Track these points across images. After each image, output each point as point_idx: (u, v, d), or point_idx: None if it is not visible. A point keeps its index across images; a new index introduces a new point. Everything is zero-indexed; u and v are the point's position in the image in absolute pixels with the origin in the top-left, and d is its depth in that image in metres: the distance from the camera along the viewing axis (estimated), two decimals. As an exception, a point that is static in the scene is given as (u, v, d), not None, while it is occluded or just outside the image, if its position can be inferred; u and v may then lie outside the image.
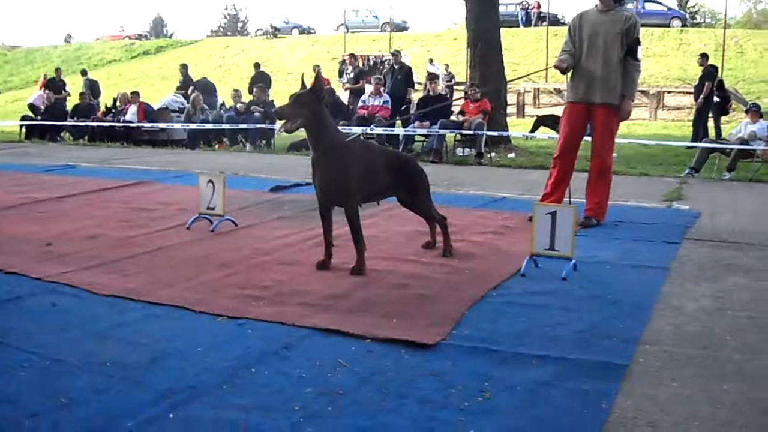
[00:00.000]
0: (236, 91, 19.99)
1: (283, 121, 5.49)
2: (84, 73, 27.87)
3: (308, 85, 5.62)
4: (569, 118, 7.70)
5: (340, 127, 14.34)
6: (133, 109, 19.69)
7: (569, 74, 7.67)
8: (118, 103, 21.19)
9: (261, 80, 22.00)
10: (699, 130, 19.24)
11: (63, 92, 24.41)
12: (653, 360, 3.87)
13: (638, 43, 7.50)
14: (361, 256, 5.54)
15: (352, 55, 26.14)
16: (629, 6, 43.49)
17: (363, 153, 5.67)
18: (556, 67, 7.64)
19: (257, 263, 5.80)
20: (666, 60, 36.74)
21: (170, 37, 71.97)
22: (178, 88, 23.79)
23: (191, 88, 22.38)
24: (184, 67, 25.29)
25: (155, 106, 21.13)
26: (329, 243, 5.69)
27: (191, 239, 6.69)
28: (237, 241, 6.66)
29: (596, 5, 7.64)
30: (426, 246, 6.33)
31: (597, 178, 7.65)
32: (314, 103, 5.39)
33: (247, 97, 20.34)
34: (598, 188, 7.64)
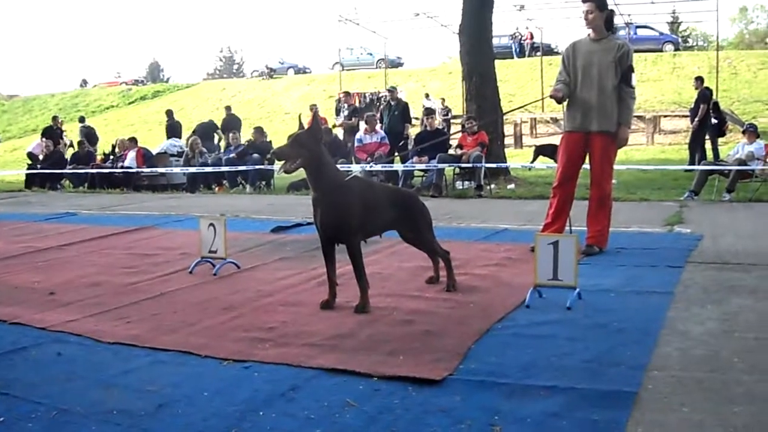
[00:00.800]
0: (233, 134, 20.10)
1: (282, 162, 5.50)
2: (81, 120, 28.00)
3: (306, 126, 5.64)
4: (567, 148, 7.69)
5: (339, 166, 14.44)
6: (131, 155, 19.81)
7: (565, 104, 7.70)
8: (116, 149, 21.30)
9: (232, 123, 22.32)
10: (696, 153, 19.29)
11: (61, 140, 24.48)
12: (662, 386, 3.85)
13: (632, 70, 7.52)
14: (364, 293, 5.52)
15: (346, 93, 26.21)
16: (621, 33, 43.61)
17: (363, 190, 5.68)
18: (551, 96, 7.67)
19: (261, 305, 5.79)
20: (660, 84, 36.92)
21: (167, 81, 72.33)
22: (169, 135, 24.02)
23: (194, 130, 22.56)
24: (169, 114, 25.62)
25: (154, 151, 21.24)
26: (333, 282, 5.69)
27: (194, 283, 6.68)
28: (240, 283, 6.65)
29: (588, 34, 7.66)
30: (429, 281, 6.32)
31: (597, 206, 7.64)
32: (312, 142, 5.42)
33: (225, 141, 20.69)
34: (598, 216, 7.63)
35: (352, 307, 5.51)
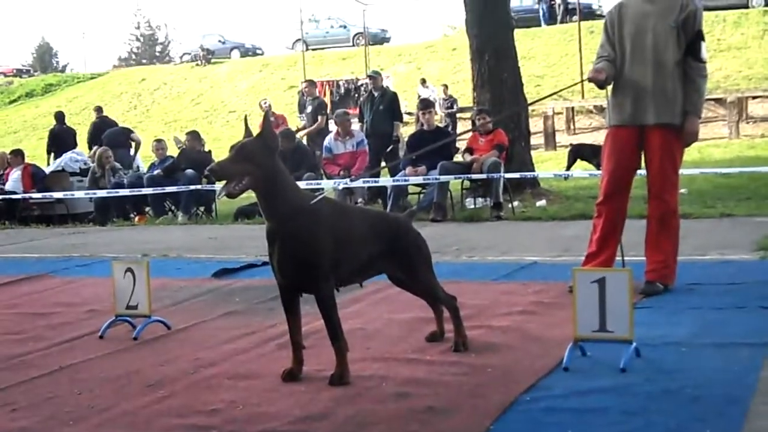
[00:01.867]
0: (158, 141, 20.08)
1: (223, 182, 5.48)
2: None
3: (255, 130, 5.61)
4: (614, 148, 7.70)
5: (306, 183, 14.39)
6: (15, 175, 19.73)
7: (610, 88, 7.71)
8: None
9: (65, 136, 22.32)
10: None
11: None
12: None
13: (702, 37, 7.48)
14: (342, 358, 5.51)
15: (309, 82, 26.22)
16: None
17: (335, 218, 5.64)
18: (591, 79, 7.62)
19: (200, 379, 5.79)
20: (746, 54, 37.08)
21: (62, 71, 72.43)
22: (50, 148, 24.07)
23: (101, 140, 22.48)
24: (98, 111, 25.64)
25: (47, 169, 21.20)
26: (298, 344, 5.67)
27: (106, 352, 6.67)
28: (171, 350, 6.65)
29: None
30: (431, 338, 6.32)
31: (659, 227, 7.63)
32: (263, 154, 5.37)
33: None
34: (661, 241, 7.62)
35: (326, 378, 5.51)
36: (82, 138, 24.73)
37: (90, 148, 22.96)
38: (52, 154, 24.08)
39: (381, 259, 5.94)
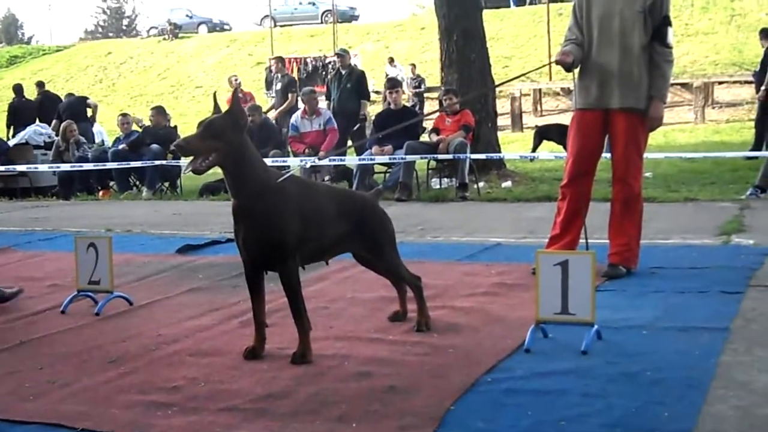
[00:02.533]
0: (124, 115, 20.01)
1: (190, 158, 5.45)
2: None
3: (223, 108, 5.58)
4: (579, 131, 7.69)
5: (272, 160, 14.37)
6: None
7: (577, 71, 7.69)
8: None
9: (24, 109, 22.17)
10: (764, 134, 19.45)
11: None
12: (714, 461, 3.90)
13: (668, 22, 7.43)
14: (304, 337, 5.50)
15: (278, 59, 26.18)
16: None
17: (302, 196, 5.62)
18: (558, 62, 7.59)
19: (162, 356, 5.77)
20: (714, 39, 37.23)
21: (28, 42, 72.00)
22: (9, 122, 23.84)
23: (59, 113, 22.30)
24: (39, 86, 25.40)
25: (11, 142, 21.09)
26: (261, 323, 5.66)
27: (68, 327, 6.64)
28: (133, 326, 6.63)
29: None
30: (394, 317, 6.33)
31: (623, 210, 7.65)
32: (232, 131, 5.33)
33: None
34: (624, 224, 7.64)
35: (288, 356, 5.51)
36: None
37: (42, 121, 22.80)
38: (12, 128, 23.97)
39: (347, 238, 5.93)
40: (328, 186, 6.08)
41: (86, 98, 23.68)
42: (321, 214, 5.71)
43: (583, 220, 7.72)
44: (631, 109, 7.47)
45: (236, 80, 25.01)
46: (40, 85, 25.33)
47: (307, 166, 12.09)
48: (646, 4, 7.33)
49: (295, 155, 16.59)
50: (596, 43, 7.51)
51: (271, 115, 21.83)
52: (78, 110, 22.49)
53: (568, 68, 7.61)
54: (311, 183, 6.11)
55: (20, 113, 24.07)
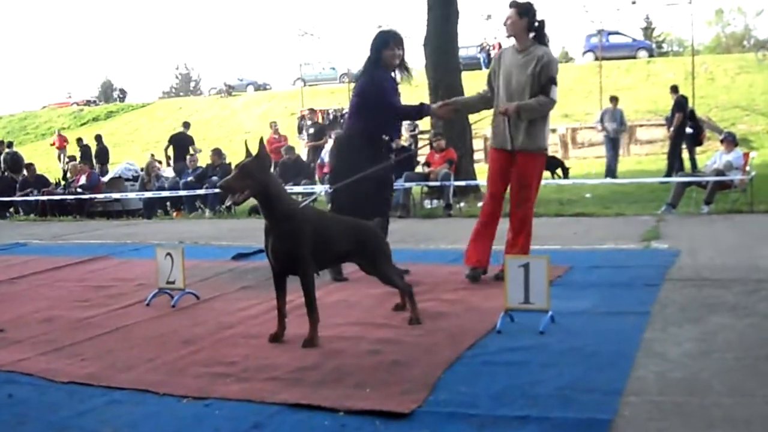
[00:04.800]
0: (191, 155, 20.09)
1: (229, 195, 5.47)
2: (9, 145, 27.19)
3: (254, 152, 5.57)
4: (492, 164, 7.58)
5: (301, 188, 14.29)
6: (82, 179, 19.75)
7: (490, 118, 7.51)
8: (68, 174, 21.19)
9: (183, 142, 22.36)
10: (674, 164, 19.50)
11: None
12: (638, 412, 3.88)
13: (553, 82, 7.16)
14: (314, 327, 5.49)
15: (311, 110, 26.29)
16: (593, 40, 43.62)
17: (318, 221, 5.69)
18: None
19: (222, 338, 5.78)
20: (635, 93, 37.18)
21: (120, 100, 72.10)
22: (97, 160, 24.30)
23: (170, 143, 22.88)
24: (97, 139, 26.00)
25: (108, 176, 21.18)
26: (283, 314, 5.66)
27: (151, 316, 6.66)
28: (199, 315, 6.64)
29: (515, 43, 7.38)
30: (397, 308, 6.31)
31: (518, 229, 7.46)
32: (260, 171, 5.38)
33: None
34: (517, 240, 7.46)
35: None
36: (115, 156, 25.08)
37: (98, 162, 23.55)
38: (96, 165, 24.38)
39: (351, 254, 5.97)
40: (338, 216, 6.06)
41: (192, 141, 23.55)
42: (331, 235, 5.74)
43: (493, 234, 7.57)
44: (525, 150, 7.25)
45: (276, 126, 25.01)
46: (98, 138, 25.85)
47: (323, 193, 12.03)
48: (535, 70, 7.09)
49: (320, 180, 16.62)
50: (501, 98, 7.31)
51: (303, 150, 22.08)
52: (182, 144, 22.78)
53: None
54: (325, 213, 6.13)
55: (101, 154, 24.69)
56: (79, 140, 29.03)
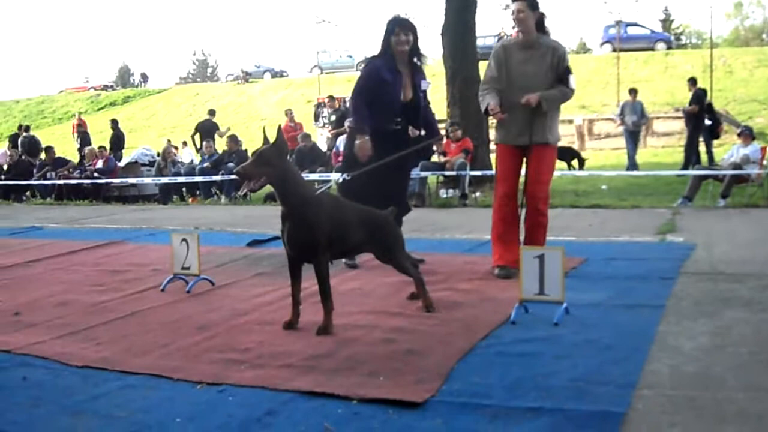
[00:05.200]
0: (207, 141, 20.11)
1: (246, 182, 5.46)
2: (26, 129, 27.18)
3: (271, 139, 5.57)
4: (503, 161, 7.40)
5: (318, 175, 14.25)
6: (101, 164, 19.81)
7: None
8: (85, 159, 21.25)
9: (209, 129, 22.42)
10: (691, 157, 19.43)
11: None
12: (651, 405, 3.88)
13: (569, 71, 7.12)
14: (328, 315, 5.50)
15: (330, 98, 26.24)
16: (612, 31, 43.48)
17: (333, 208, 5.66)
18: (493, 116, 7.21)
19: (236, 324, 5.79)
20: (652, 85, 37.08)
21: (138, 86, 72.23)
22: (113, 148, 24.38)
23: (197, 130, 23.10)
24: (113, 124, 26.06)
25: (124, 161, 21.21)
26: (297, 302, 5.66)
27: (166, 302, 6.67)
28: (214, 301, 6.65)
29: (518, 36, 7.28)
30: (411, 297, 6.29)
31: (535, 227, 7.31)
32: (277, 158, 5.38)
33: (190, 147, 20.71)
34: (534, 236, 7.31)
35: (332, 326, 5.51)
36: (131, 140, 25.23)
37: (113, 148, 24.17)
38: (114, 150, 24.60)
39: (366, 243, 5.96)
40: (354, 204, 6.04)
41: (218, 127, 23.91)
42: (346, 223, 5.72)
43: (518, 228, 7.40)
44: (539, 143, 7.14)
45: (291, 113, 25.01)
46: (26, 129, 25.89)
47: (340, 180, 12.09)
48: (553, 62, 7.04)
49: (335, 168, 16.63)
50: (513, 92, 7.12)
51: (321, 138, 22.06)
52: (210, 130, 23.18)
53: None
54: (341, 200, 6.10)
55: (116, 138, 25.12)
56: (26, 128, 27.93)
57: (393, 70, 7.60)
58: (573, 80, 7.14)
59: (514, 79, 7.17)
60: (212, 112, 25.19)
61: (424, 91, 7.93)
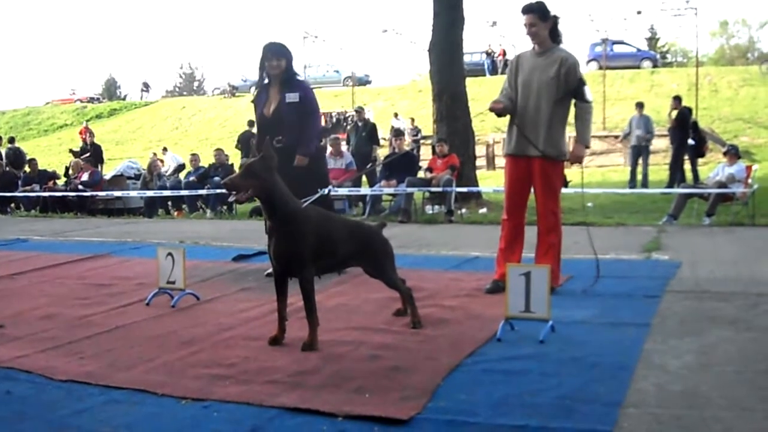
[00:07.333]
0: (193, 155, 20.09)
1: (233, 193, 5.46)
2: (11, 140, 27.05)
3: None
4: (510, 173, 7.44)
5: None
6: (86, 177, 19.78)
7: (506, 123, 7.39)
8: (70, 171, 21.21)
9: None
10: (675, 175, 19.51)
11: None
12: (637, 424, 3.88)
13: (584, 83, 7.13)
14: (313, 330, 5.47)
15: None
16: (598, 49, 43.68)
17: (320, 222, 5.64)
18: (491, 109, 7.22)
19: (221, 339, 5.77)
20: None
21: (123, 99, 72.09)
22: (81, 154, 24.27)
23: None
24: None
25: (110, 174, 21.19)
26: (283, 317, 5.64)
27: (151, 316, 6.64)
28: (200, 316, 6.63)
29: (533, 47, 7.28)
30: (397, 313, 6.29)
31: (547, 247, 7.29)
32: (265, 171, 5.36)
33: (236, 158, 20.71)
34: (547, 254, 7.27)
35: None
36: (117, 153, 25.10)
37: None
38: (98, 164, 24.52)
39: (355, 257, 5.93)
40: (342, 217, 6.04)
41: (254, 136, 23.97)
42: (334, 237, 5.71)
43: (522, 244, 7.44)
44: (547, 157, 7.11)
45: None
46: (10, 140, 26.25)
47: (325, 192, 12.17)
48: (560, 72, 7.02)
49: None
50: (520, 102, 7.19)
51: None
52: (249, 140, 22.85)
53: (500, 113, 7.24)
54: (328, 213, 6.08)
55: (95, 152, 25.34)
56: (10, 140, 27.63)
57: (262, 91, 8.55)
58: (588, 91, 7.16)
59: (520, 86, 7.22)
60: (251, 123, 25.14)
61: (294, 104, 8.34)
